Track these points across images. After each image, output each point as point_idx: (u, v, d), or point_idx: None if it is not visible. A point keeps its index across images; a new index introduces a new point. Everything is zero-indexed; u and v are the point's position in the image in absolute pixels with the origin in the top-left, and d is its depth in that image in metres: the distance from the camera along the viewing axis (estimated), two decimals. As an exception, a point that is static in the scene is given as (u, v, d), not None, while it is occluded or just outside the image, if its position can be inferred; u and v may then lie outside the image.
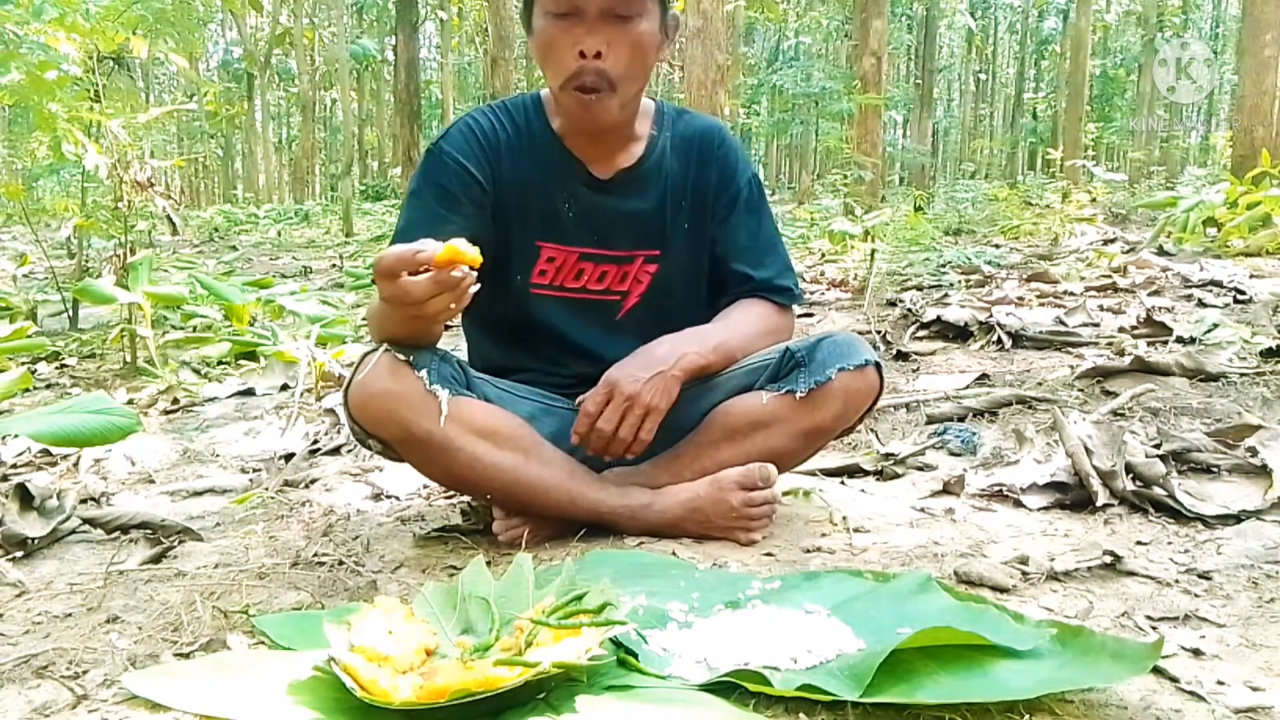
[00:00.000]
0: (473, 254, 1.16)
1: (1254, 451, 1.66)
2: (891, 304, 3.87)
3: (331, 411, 2.46)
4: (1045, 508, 1.54)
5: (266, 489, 1.90)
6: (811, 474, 1.79)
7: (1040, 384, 2.40)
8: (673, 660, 0.91)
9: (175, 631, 1.08)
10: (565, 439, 1.40)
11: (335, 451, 2.19)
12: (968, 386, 2.44)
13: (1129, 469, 1.54)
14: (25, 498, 1.63)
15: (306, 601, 1.19)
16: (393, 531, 1.55)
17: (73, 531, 1.60)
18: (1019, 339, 2.97)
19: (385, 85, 25.96)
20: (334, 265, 7.67)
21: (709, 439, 1.43)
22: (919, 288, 4.35)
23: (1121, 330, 3.03)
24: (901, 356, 2.93)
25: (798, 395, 1.39)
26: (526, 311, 1.51)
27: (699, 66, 6.26)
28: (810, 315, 3.85)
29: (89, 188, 4.54)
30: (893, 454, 1.88)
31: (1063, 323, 3.17)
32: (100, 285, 3.47)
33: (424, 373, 1.31)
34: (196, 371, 3.35)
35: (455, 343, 2.04)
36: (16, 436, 2.06)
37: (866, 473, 1.82)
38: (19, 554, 1.50)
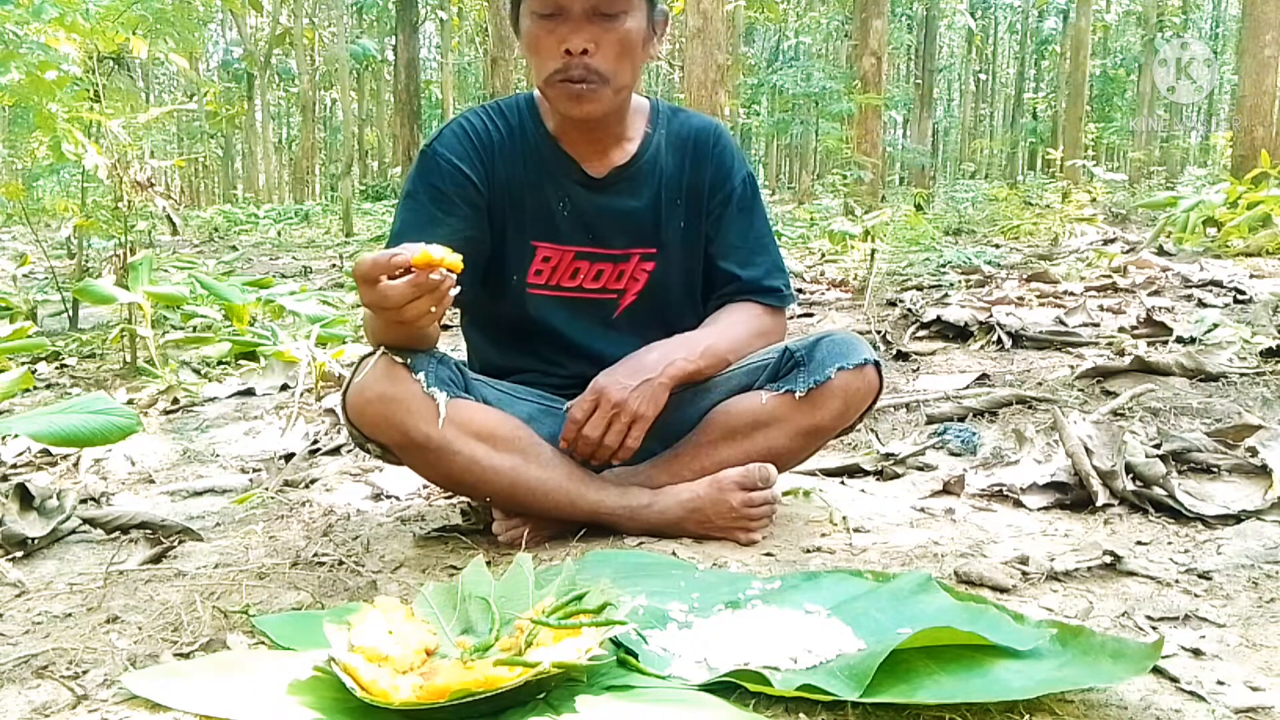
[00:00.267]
0: (453, 259, 1.16)
1: (1254, 451, 1.65)
2: (891, 304, 3.87)
3: (331, 411, 2.46)
4: (1045, 508, 1.54)
5: (266, 489, 1.90)
6: (811, 474, 1.79)
7: (1040, 384, 2.39)
8: (673, 660, 0.91)
9: (175, 631, 1.08)
10: (564, 440, 1.40)
11: (335, 451, 2.19)
12: (968, 386, 2.44)
13: (1129, 469, 1.54)
14: (25, 498, 1.63)
15: (306, 601, 1.19)
16: (393, 531, 1.55)
17: (73, 531, 1.60)
18: (1019, 339, 2.97)
19: (385, 85, 25.96)
20: (334, 265, 7.66)
21: (709, 439, 1.43)
22: (919, 288, 4.35)
23: (1121, 330, 3.03)
24: (901, 356, 2.93)
25: (797, 395, 1.39)
26: (523, 312, 1.51)
27: (699, 66, 6.26)
28: (810, 315, 3.85)
29: (89, 188, 4.53)
30: (893, 454, 1.88)
31: (1063, 323, 3.17)
32: (100, 285, 3.46)
33: (421, 375, 1.30)
34: (196, 371, 3.35)
35: (454, 344, 2.05)
36: (16, 436, 2.06)
37: (866, 473, 1.82)
38: (19, 554, 1.50)
